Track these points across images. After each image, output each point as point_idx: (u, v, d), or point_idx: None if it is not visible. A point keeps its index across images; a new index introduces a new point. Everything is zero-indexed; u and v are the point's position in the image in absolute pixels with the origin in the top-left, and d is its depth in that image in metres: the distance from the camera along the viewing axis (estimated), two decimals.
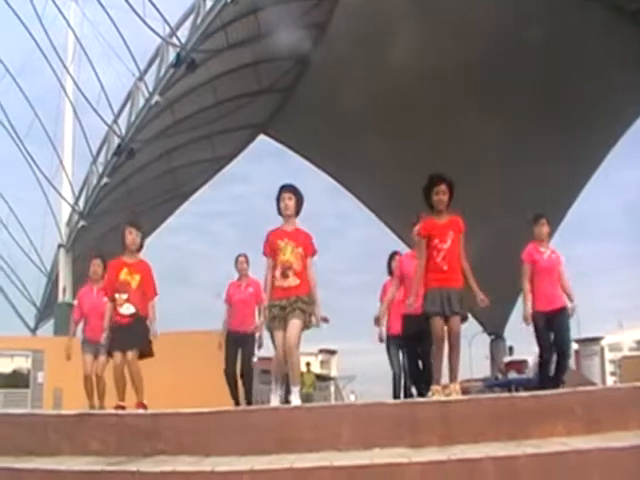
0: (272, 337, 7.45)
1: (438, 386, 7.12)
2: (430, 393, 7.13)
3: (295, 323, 7.09)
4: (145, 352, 8.16)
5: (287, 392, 7.36)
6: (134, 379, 7.99)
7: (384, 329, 9.69)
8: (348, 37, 25.61)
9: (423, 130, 26.12)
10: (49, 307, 32.07)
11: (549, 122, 25.93)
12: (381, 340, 9.73)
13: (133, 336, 7.98)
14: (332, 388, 33.27)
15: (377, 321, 9.57)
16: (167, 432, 5.52)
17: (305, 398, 24.75)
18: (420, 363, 8.90)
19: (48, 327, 31.64)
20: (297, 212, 7.47)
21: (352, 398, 35.87)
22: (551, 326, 8.98)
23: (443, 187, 7.35)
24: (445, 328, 7.17)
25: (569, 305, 9.04)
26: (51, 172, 29.51)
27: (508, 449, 4.89)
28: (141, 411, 7.44)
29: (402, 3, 23.52)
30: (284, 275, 7.20)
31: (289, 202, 7.36)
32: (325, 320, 9.30)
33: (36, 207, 31.25)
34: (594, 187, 31.96)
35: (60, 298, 28.99)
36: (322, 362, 75.84)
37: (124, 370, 8.01)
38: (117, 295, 8.09)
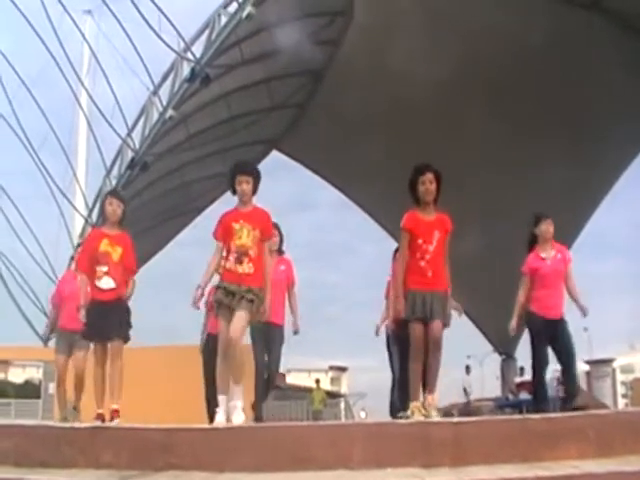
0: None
1: (417, 402, 6.74)
2: (409, 412, 6.75)
3: (241, 316, 6.58)
4: (125, 339, 7.53)
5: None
6: (116, 377, 7.33)
7: (382, 325, 9.29)
8: (362, 54, 25.70)
9: (438, 144, 26.14)
10: None
11: (556, 133, 25.91)
12: (376, 333, 9.32)
13: (114, 323, 7.34)
14: (342, 405, 33.11)
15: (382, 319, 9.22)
16: (181, 447, 5.52)
17: (314, 415, 24.65)
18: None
19: None
20: (254, 192, 6.99)
21: (363, 415, 35.69)
22: (551, 337, 8.38)
23: (430, 176, 6.91)
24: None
25: (579, 305, 8.45)
26: (65, 184, 29.73)
27: (520, 471, 4.89)
28: (116, 422, 7.02)
29: (417, 18, 23.60)
30: (239, 260, 6.69)
31: (246, 187, 6.88)
32: (296, 331, 9.00)
33: (49, 218, 31.43)
34: (606, 205, 31.78)
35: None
36: (332, 379, 75.86)
37: (105, 368, 7.38)
38: (97, 267, 7.47)
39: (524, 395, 22.38)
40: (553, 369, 9.72)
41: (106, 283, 7.44)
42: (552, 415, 6.18)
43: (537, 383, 8.72)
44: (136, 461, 5.54)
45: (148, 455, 5.56)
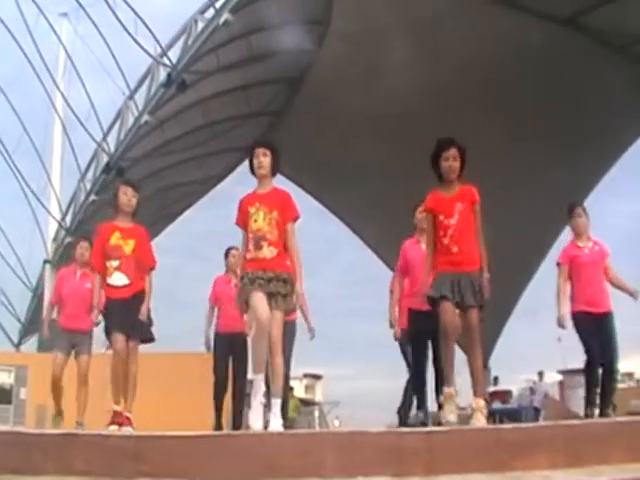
0: (246, 305, 6.26)
1: (451, 388, 6.40)
2: (442, 397, 6.53)
3: (278, 316, 6.16)
4: (147, 338, 7.33)
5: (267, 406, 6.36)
6: (130, 383, 7.13)
7: (397, 328, 8.60)
8: (340, 61, 25.77)
9: (417, 156, 26.13)
10: (34, 323, 31.88)
11: (548, 141, 26.20)
12: (396, 339, 8.65)
13: (134, 320, 7.07)
14: (316, 413, 33.06)
15: (392, 324, 8.63)
16: (153, 455, 5.48)
17: (288, 423, 24.61)
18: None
19: (32, 343, 31.50)
20: (274, 172, 6.51)
21: (337, 424, 35.67)
22: (596, 332, 8.01)
23: (453, 151, 6.57)
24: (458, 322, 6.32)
25: (629, 290, 8.18)
26: (39, 187, 29.54)
27: None
28: (129, 429, 6.90)
29: (395, 27, 23.69)
30: (257, 246, 6.23)
31: (264, 159, 6.39)
32: (312, 336, 8.73)
33: (23, 222, 31.23)
34: (592, 214, 31.86)
35: (45, 314, 28.75)
36: (307, 387, 75.47)
37: (125, 361, 7.04)
38: (107, 263, 7.16)
39: (497, 404, 22.55)
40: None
41: (118, 279, 7.13)
42: (523, 425, 6.23)
43: (588, 375, 8.29)
44: (109, 469, 5.49)
45: (121, 463, 5.50)
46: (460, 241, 6.41)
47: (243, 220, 6.39)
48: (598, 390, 8.09)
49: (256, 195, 6.45)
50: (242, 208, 6.42)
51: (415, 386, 8.28)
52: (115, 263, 7.12)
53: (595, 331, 8.02)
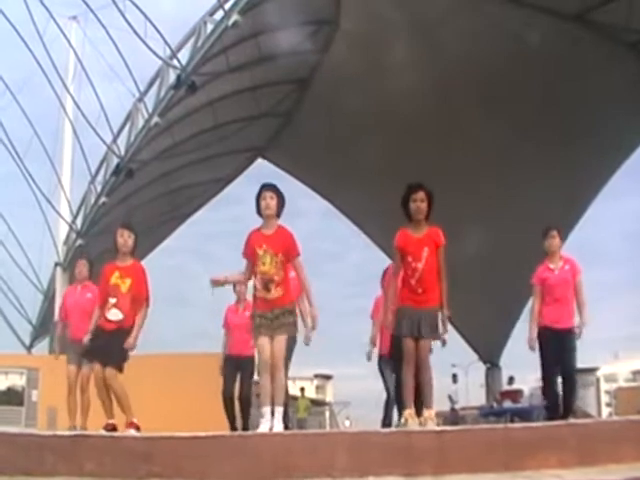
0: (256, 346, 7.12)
1: (410, 410, 6.89)
2: (402, 420, 6.94)
3: (281, 339, 6.84)
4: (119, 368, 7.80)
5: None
6: (118, 397, 7.64)
7: (374, 348, 9.53)
8: (348, 62, 25.77)
9: (424, 154, 26.19)
10: (45, 325, 32.01)
11: (552, 140, 26.13)
12: (368, 359, 9.54)
13: (113, 349, 7.63)
14: (327, 413, 33.11)
15: (372, 340, 9.48)
16: (163, 455, 5.51)
17: (299, 423, 24.65)
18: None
19: (44, 345, 31.60)
20: (278, 213, 7.09)
21: (347, 424, 35.69)
22: (558, 347, 8.45)
23: (421, 194, 7.08)
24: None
25: (578, 322, 8.54)
26: (50, 190, 29.60)
27: None
28: (132, 431, 7.24)
29: (403, 27, 23.69)
30: (266, 288, 6.87)
31: (271, 201, 6.97)
32: (306, 342, 8.95)
33: (34, 225, 31.29)
34: (594, 215, 31.73)
35: (56, 316, 28.79)
36: (317, 387, 75.72)
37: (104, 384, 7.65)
38: (108, 299, 7.81)
39: (508, 404, 22.48)
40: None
41: (114, 315, 7.77)
42: (534, 424, 6.21)
43: (548, 394, 8.84)
44: (119, 470, 5.52)
45: (131, 464, 5.54)
46: (426, 283, 7.00)
47: (250, 255, 7.01)
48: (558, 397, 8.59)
49: (262, 235, 7.02)
50: (250, 244, 7.02)
51: (398, 399, 8.60)
52: (113, 300, 7.80)
53: (555, 346, 8.49)
